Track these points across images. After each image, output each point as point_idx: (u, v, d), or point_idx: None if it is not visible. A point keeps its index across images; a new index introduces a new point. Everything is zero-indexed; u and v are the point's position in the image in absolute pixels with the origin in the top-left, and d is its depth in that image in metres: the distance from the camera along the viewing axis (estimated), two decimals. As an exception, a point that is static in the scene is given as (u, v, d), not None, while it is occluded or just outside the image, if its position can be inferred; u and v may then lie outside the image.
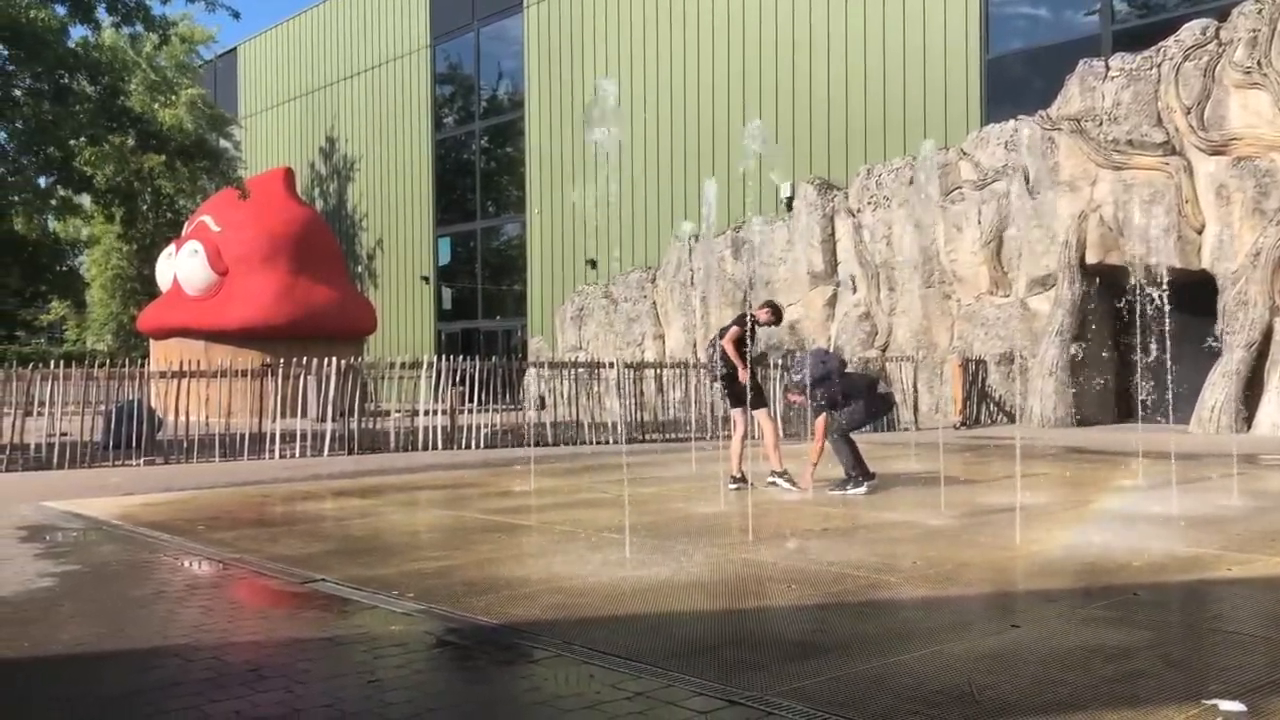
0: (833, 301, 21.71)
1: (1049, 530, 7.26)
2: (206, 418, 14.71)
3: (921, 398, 18.96)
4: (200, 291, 23.05)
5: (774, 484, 9.70)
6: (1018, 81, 20.76)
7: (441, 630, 4.92)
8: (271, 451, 14.38)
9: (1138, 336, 11.76)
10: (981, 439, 15.71)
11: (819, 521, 7.93)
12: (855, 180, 21.74)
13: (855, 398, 9.59)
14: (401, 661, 4.41)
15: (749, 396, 9.69)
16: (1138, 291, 12.44)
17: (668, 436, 16.78)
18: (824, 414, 9.58)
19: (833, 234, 21.78)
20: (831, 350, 12.90)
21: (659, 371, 18.20)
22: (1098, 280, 18.04)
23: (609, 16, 27.53)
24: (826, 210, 21.88)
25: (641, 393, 17.68)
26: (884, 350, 20.22)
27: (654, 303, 25.24)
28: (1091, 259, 17.84)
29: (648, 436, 16.78)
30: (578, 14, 28.28)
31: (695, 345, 23.61)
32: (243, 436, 14.42)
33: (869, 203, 21.24)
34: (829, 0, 22.95)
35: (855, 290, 21.26)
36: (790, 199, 22.77)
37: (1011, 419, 18.44)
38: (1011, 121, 19.20)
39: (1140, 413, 14.02)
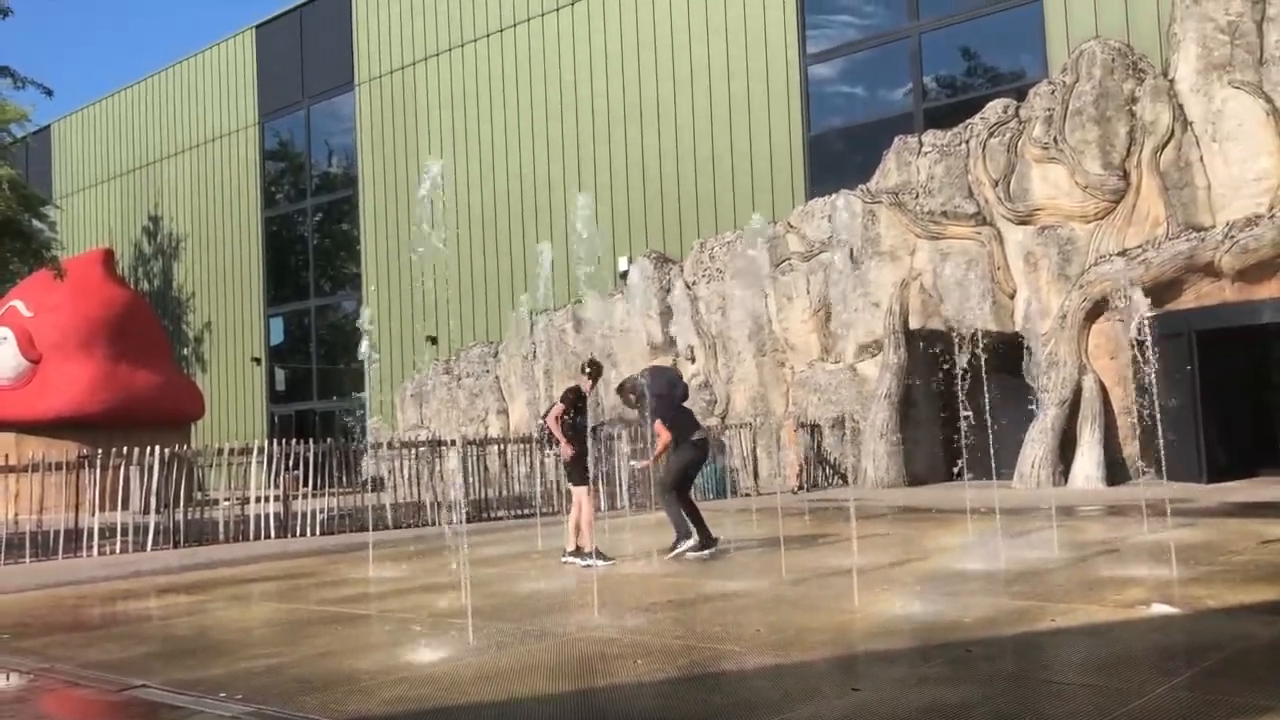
0: (673, 372, 22.00)
1: (886, 590, 7.45)
2: (15, 515, 13.75)
3: (761, 463, 19.33)
4: (10, 381, 21.70)
5: (567, 562, 9.63)
6: (839, 157, 21.76)
7: (273, 733, 4.67)
8: (90, 548, 13.50)
9: (960, 398, 12.31)
10: (819, 502, 16.08)
11: (664, 594, 7.92)
12: (690, 253, 22.25)
13: (677, 437, 9.63)
14: (228, 771, 4.16)
15: (571, 471, 9.69)
16: (958, 355, 13.05)
17: (514, 513, 16.55)
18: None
19: (670, 305, 22.17)
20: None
21: (503, 447, 18.00)
22: (921, 344, 18.87)
23: (441, 94, 27.60)
24: (663, 283, 22.29)
25: (486, 469, 17.43)
26: (723, 418, 20.57)
27: (497, 377, 25.07)
28: (914, 324, 18.67)
29: (493, 514, 16.51)
30: (410, 91, 28.27)
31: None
32: (57, 533, 13.50)
33: (703, 275, 21.75)
34: (658, 76, 23.64)
35: (694, 360, 21.63)
36: (626, 273, 23.11)
37: (846, 481, 18.97)
38: (834, 195, 20.04)
39: (967, 470, 14.63)
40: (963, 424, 13.36)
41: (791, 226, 20.60)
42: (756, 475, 18.89)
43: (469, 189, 26.40)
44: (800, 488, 18.65)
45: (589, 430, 9.77)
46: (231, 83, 33.18)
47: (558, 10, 25.40)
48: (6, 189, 31.92)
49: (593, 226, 21.72)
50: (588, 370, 10.12)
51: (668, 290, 22.26)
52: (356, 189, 29.63)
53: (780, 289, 20.53)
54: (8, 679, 6.19)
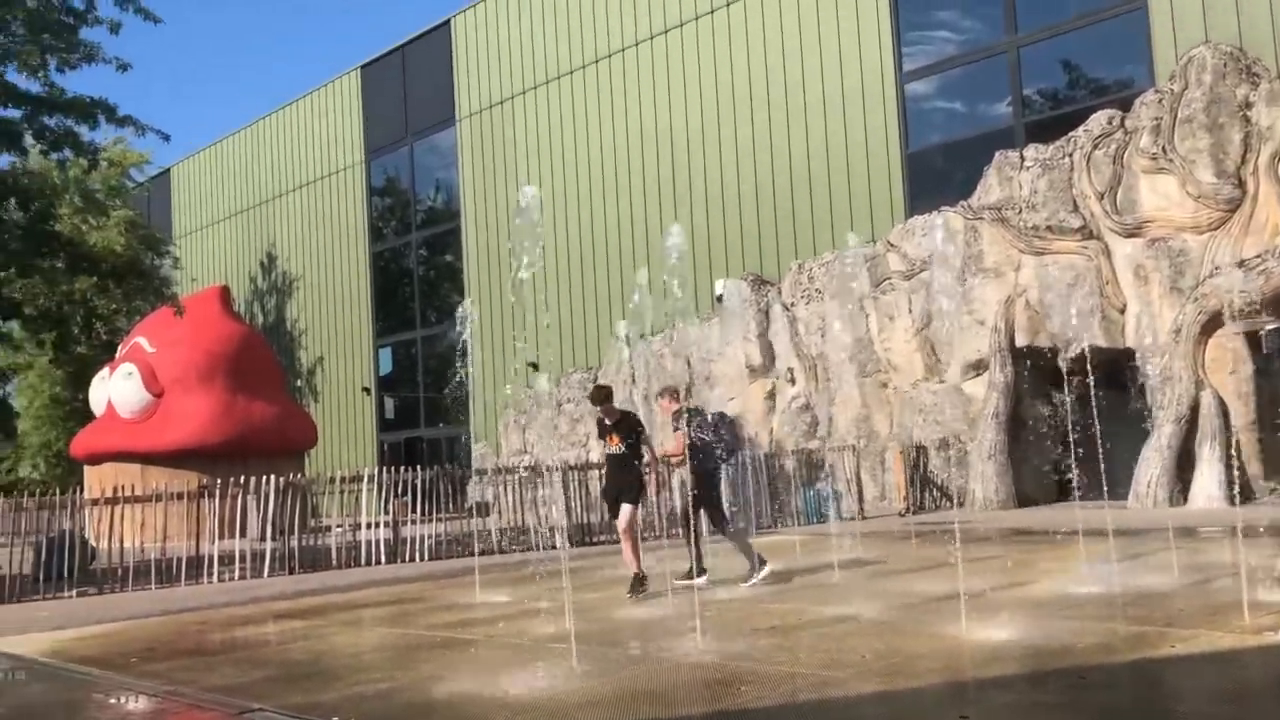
0: (773, 394, 21.91)
1: (996, 615, 7.28)
2: (141, 543, 14.31)
3: (866, 486, 19.07)
4: (135, 414, 22.66)
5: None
6: (939, 173, 21.46)
7: (385, 756, 4.78)
8: (210, 575, 14.00)
9: (1070, 415, 11.99)
10: (926, 525, 15.79)
11: (768, 619, 7.88)
12: (788, 275, 22.15)
13: (697, 461, 9.66)
14: (343, 793, 4.28)
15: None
16: (1067, 371, 12.72)
17: (616, 538, 16.60)
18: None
19: (768, 328, 22.08)
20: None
21: (604, 471, 18.08)
22: (1028, 362, 18.43)
23: (539, 124, 28.07)
24: (761, 305, 22.22)
25: (588, 494, 17.55)
26: (825, 440, 20.37)
27: (597, 403, 25.24)
28: (1020, 341, 18.25)
29: (595, 539, 16.61)
30: (509, 123, 28.81)
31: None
32: (179, 561, 14.03)
33: (802, 296, 21.62)
34: (752, 98, 23.67)
35: (794, 382, 21.49)
36: (722, 295, 23.11)
37: (955, 503, 18.59)
38: (935, 212, 19.76)
39: (1079, 490, 14.21)
40: (1074, 443, 13.00)
41: (891, 245, 20.37)
42: (861, 498, 18.64)
43: (566, 217, 26.74)
44: (906, 510, 18.35)
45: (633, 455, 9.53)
46: (340, 122, 34.26)
47: (651, 39, 25.65)
48: (126, 230, 33.59)
49: (687, 252, 21.88)
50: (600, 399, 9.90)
51: (766, 312, 22.18)
52: (459, 221, 30.28)
53: (881, 308, 20.30)
54: (136, 701, 6.46)
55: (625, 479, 9.54)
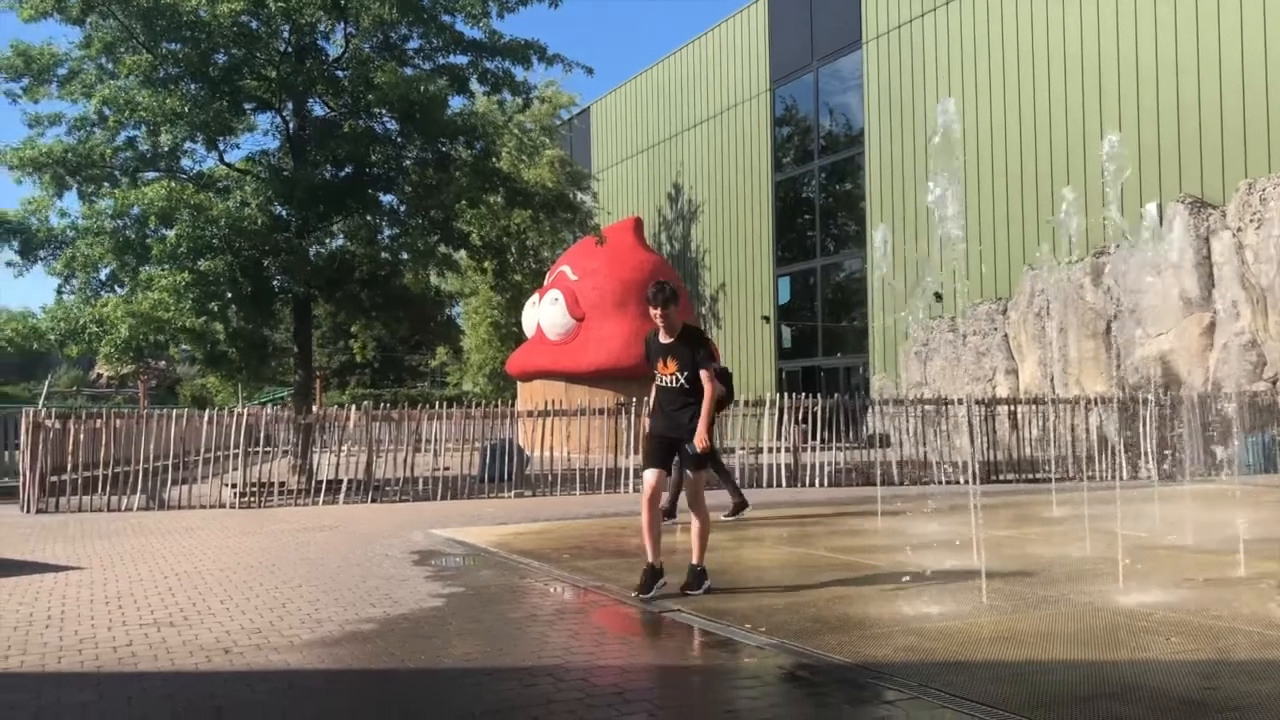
0: (1210, 330, 19.80)
1: None
2: (567, 453, 15.69)
3: (1323, 435, 16.83)
4: (560, 336, 24.71)
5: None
6: None
7: (793, 665, 4.95)
8: (626, 486, 15.07)
9: None
10: (1402, 482, 13.71)
11: (1201, 570, 7.24)
12: (1235, 196, 19.77)
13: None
14: (757, 694, 4.49)
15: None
16: None
17: (1023, 476, 15.95)
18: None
19: (1209, 256, 19.90)
20: None
21: (1013, 408, 17.35)
22: None
23: (951, 40, 26.84)
24: (1201, 230, 20.04)
25: (994, 430, 16.93)
26: (1275, 383, 18.16)
27: (1005, 335, 24.13)
28: None
29: (1001, 476, 16.04)
30: (919, 42, 27.80)
31: (1053, 380, 22.31)
32: (600, 471, 15.24)
33: (1251, 220, 19.24)
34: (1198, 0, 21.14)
35: (1238, 317, 19.28)
36: (1159, 219, 21.06)
37: None
38: None
39: None
40: None
41: (1368, 159, 17.56)
42: (1315, 448, 16.50)
43: (978, 137, 25.47)
44: (1374, 465, 16.03)
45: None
46: (746, 52, 34.76)
47: (1078, -60, 23.58)
48: (558, 166, 36.46)
49: (1117, 171, 20.15)
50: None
51: (1206, 238, 19.98)
52: (862, 147, 29.82)
53: (1351, 233, 17.62)
54: (567, 592, 7.13)
55: (684, 422, 6.62)
